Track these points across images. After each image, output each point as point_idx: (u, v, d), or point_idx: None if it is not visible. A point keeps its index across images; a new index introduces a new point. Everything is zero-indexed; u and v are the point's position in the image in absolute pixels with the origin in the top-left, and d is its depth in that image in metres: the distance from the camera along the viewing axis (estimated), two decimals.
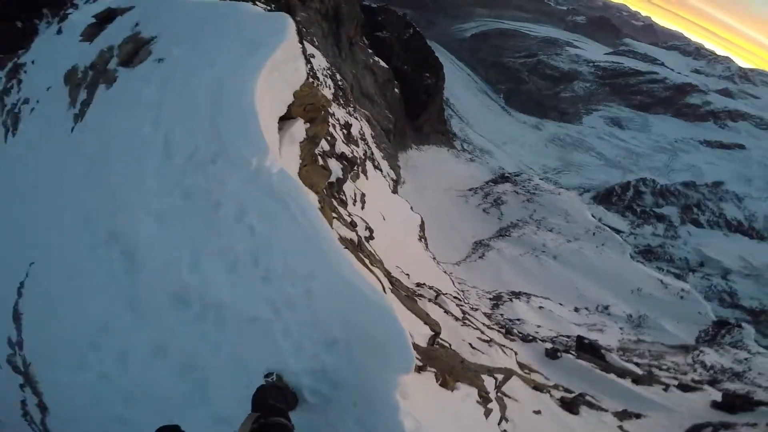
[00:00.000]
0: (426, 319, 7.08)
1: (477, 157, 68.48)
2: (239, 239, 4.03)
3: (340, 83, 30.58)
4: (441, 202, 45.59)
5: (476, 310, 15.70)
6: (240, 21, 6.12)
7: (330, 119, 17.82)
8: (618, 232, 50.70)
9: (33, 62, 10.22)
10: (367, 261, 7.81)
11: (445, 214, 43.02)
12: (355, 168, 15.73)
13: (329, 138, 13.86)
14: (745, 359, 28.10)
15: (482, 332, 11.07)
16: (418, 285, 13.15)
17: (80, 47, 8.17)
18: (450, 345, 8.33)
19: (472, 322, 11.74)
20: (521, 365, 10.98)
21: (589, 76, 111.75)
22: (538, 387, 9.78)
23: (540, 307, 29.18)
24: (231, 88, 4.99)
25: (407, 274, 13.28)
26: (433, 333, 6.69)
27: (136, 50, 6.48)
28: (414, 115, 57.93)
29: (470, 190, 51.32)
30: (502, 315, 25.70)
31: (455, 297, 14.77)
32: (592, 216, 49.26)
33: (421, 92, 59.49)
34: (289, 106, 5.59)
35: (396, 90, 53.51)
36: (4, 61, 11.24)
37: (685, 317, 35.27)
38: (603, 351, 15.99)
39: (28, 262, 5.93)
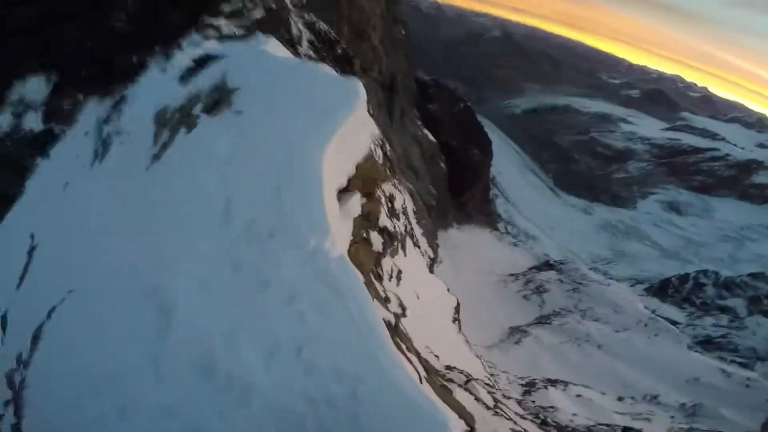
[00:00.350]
0: (461, 412, 7.13)
1: (521, 241, 69.65)
2: (285, 325, 4.16)
3: (388, 154, 33.13)
4: (478, 285, 46.47)
5: (509, 398, 15.90)
6: (316, 83, 7.11)
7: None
8: (674, 323, 49.97)
9: (136, 97, 11.41)
10: (404, 346, 7.83)
11: (481, 297, 43.96)
12: (395, 244, 16.60)
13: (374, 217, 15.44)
14: None
15: (515, 422, 11.15)
16: (448, 368, 13.64)
17: (176, 89, 9.62)
18: None
19: (504, 412, 11.87)
20: None
21: (644, 155, 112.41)
22: None
23: (578, 396, 29.35)
24: (299, 159, 5.61)
25: (437, 356, 13.79)
26: (468, 429, 6.75)
27: (219, 99, 7.43)
28: (458, 192, 59.77)
29: (511, 275, 52.16)
30: (533, 402, 25.75)
31: (486, 383, 15.26)
32: (645, 308, 48.85)
33: (468, 168, 61.58)
34: (349, 179, 6.24)
35: (442, 165, 55.93)
36: (114, 91, 12.43)
37: (749, 405, 34.62)
38: None
39: (68, 288, 6.20)
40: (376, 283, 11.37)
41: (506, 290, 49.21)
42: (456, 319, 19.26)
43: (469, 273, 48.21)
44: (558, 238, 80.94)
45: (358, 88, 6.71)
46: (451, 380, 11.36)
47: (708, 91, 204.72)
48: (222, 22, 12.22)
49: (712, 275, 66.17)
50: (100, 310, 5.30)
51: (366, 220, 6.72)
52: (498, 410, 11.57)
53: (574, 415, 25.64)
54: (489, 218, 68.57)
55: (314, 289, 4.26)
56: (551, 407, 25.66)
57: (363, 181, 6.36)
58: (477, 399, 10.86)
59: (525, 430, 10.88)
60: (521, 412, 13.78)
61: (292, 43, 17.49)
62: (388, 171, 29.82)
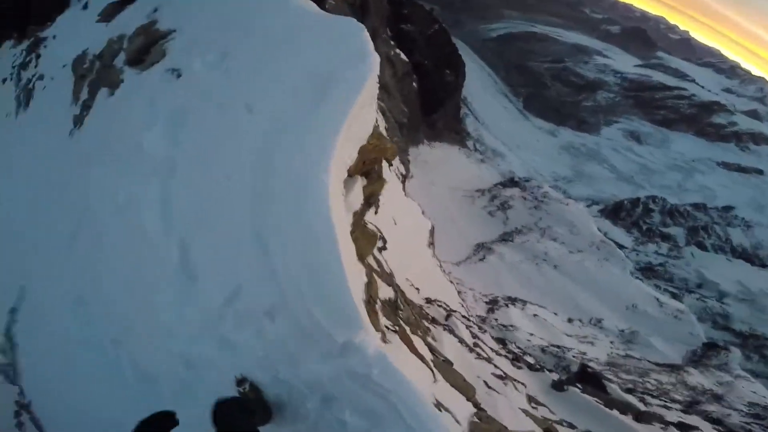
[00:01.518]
0: (465, 390, 6.85)
1: (488, 158, 69.44)
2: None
3: None
4: (447, 201, 46.79)
5: (484, 331, 15.85)
6: (291, 25, 4.52)
7: None
8: (621, 247, 51.73)
9: (54, 37, 10.23)
10: (408, 330, 7.05)
11: (450, 213, 44.26)
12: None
13: None
14: (728, 382, 29.50)
15: (495, 365, 11.30)
16: (428, 301, 13.64)
17: (97, 28, 7.86)
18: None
19: (483, 350, 11.96)
20: (529, 398, 11.22)
21: (614, 87, 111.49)
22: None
23: (534, 315, 30.43)
24: (288, 175, 3.38)
25: (417, 289, 13.82)
26: (475, 409, 6.32)
27: (147, 46, 5.67)
28: (429, 111, 58.42)
29: (478, 191, 52.35)
30: (496, 320, 27.07)
31: (463, 316, 15.48)
32: (598, 229, 50.15)
33: (440, 89, 59.90)
34: (349, 167, 4.14)
35: (414, 84, 54.00)
36: (33, 32, 11.39)
37: (676, 337, 36.59)
38: (606, 382, 16.38)
39: (19, 284, 5.53)
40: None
41: (473, 206, 49.37)
42: (431, 243, 18.96)
43: (439, 188, 48.29)
44: (523, 157, 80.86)
45: (363, 37, 4.19)
46: (434, 320, 10.95)
47: (689, 35, 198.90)
48: None
49: (660, 201, 68.05)
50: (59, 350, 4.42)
51: (368, 206, 4.77)
52: (477, 349, 11.29)
53: (531, 335, 26.71)
54: (458, 136, 67.41)
55: (350, 392, 2.91)
56: (511, 326, 26.63)
57: (364, 161, 4.24)
58: (460, 340, 10.63)
59: (504, 372, 10.81)
60: (496, 347, 13.53)
61: None
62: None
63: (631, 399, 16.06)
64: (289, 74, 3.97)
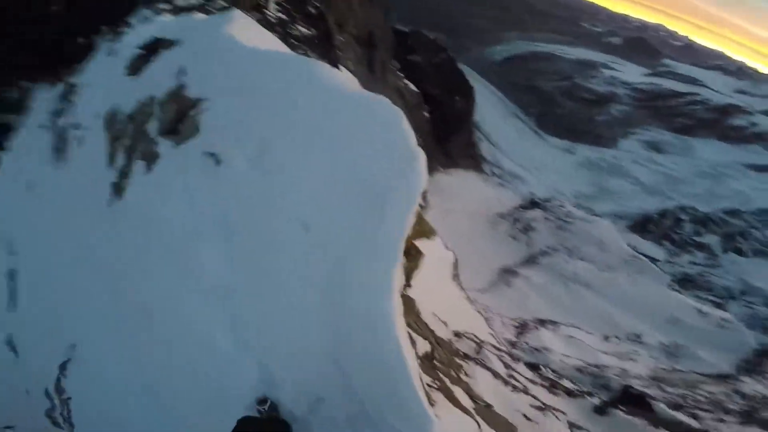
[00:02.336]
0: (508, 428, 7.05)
1: (506, 181, 68.41)
2: None
3: None
4: (467, 227, 45.74)
5: (518, 360, 15.35)
6: (328, 109, 4.49)
7: None
8: (654, 261, 49.86)
9: (87, 85, 10.48)
10: (448, 381, 7.03)
11: (471, 240, 43.07)
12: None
13: None
14: None
15: (533, 396, 10.97)
16: (457, 335, 13.15)
17: (126, 81, 8.15)
18: None
19: (518, 381, 11.74)
20: (571, 425, 10.81)
21: (626, 99, 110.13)
22: None
23: (568, 336, 29.14)
24: (355, 303, 3.59)
25: (444, 322, 13.15)
26: None
27: (179, 116, 5.88)
28: (443, 139, 58.35)
29: (498, 215, 51.35)
30: (527, 343, 25.83)
31: (493, 345, 14.85)
32: (628, 245, 48.55)
33: (451, 116, 60.07)
34: None
35: (425, 114, 54.20)
36: (62, 77, 11.86)
37: (724, 346, 34.45)
38: (650, 401, 15.54)
39: (70, 342, 5.87)
40: None
41: (495, 231, 48.27)
42: (456, 275, 18.26)
43: (458, 216, 47.31)
44: (542, 178, 79.34)
45: (407, 135, 4.11)
46: (465, 355, 10.83)
47: (690, 40, 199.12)
48: None
49: (690, 210, 66.07)
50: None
51: (407, 287, 4.86)
52: (512, 381, 11.03)
53: (566, 356, 25.28)
54: (474, 161, 67.03)
55: None
56: (544, 348, 25.37)
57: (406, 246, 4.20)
58: (494, 374, 10.52)
59: (542, 403, 10.45)
60: (531, 376, 12.90)
61: (258, 7, 15.57)
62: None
63: (680, 416, 14.91)
64: (338, 183, 3.91)
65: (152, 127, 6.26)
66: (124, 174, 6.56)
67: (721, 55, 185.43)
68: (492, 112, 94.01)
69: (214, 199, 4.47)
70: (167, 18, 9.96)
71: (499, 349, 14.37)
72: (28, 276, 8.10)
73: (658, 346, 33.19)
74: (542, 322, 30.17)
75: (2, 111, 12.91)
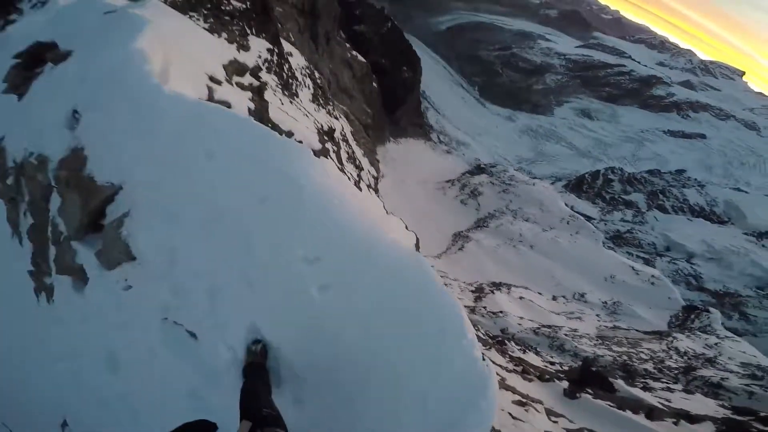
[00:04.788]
0: None
1: (453, 148, 68.03)
2: None
3: (318, 81, 29.46)
4: (419, 195, 45.07)
5: (489, 347, 14.47)
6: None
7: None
8: (589, 219, 51.01)
9: None
10: None
11: (424, 207, 42.42)
12: None
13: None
14: (716, 344, 28.29)
15: (512, 390, 10.70)
16: None
17: (9, 104, 5.65)
18: None
19: (492, 360, 11.41)
20: (548, 412, 10.52)
21: (560, 69, 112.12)
22: None
23: (520, 298, 28.95)
24: None
25: None
26: None
27: (92, 214, 3.96)
28: (392, 109, 57.01)
29: (447, 182, 50.88)
30: (485, 308, 25.40)
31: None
32: (565, 204, 49.37)
33: (399, 86, 58.48)
34: None
35: (374, 84, 52.12)
36: None
37: (656, 302, 35.39)
38: (611, 379, 15.49)
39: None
40: None
41: (445, 197, 47.75)
42: None
43: (410, 184, 46.44)
44: (486, 144, 79.99)
45: (477, 360, 2.89)
46: None
47: (619, 14, 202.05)
48: None
49: (618, 171, 68.11)
50: None
51: None
52: (486, 361, 9.43)
53: (521, 318, 24.99)
54: (422, 130, 66.26)
55: None
56: (501, 312, 25.01)
57: None
58: None
59: (521, 397, 10.04)
60: (503, 362, 12.22)
61: None
62: (320, 99, 26.03)
63: (638, 393, 15.09)
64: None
65: (58, 218, 4.34)
66: (42, 272, 4.88)
67: (646, 30, 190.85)
68: (438, 81, 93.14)
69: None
70: (40, 21, 6.89)
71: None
72: None
73: (600, 304, 33.70)
74: (497, 285, 29.88)
75: None
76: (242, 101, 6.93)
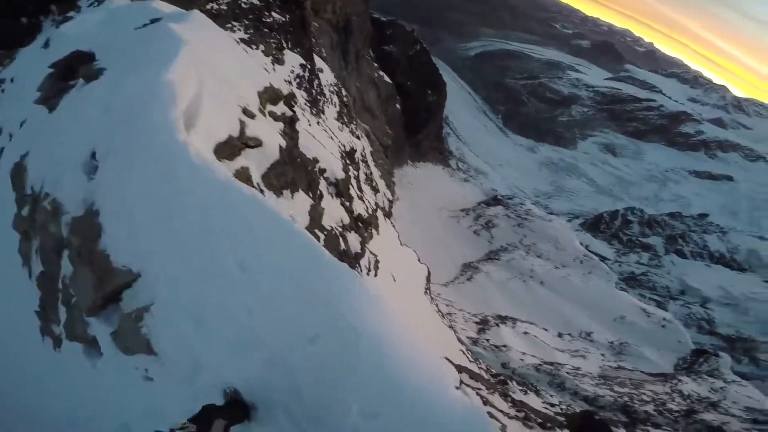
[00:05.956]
0: None
1: (471, 177, 69.48)
2: None
3: (345, 99, 30.78)
4: (433, 222, 46.53)
5: (492, 392, 14.63)
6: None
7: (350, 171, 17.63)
8: (604, 259, 51.98)
9: (12, 80, 8.91)
10: None
11: (437, 234, 43.94)
12: (369, 230, 15.46)
13: (348, 201, 13.59)
14: (721, 388, 29.20)
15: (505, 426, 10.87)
16: None
17: (37, 115, 5.91)
18: None
19: (498, 419, 11.16)
20: None
21: (587, 101, 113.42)
22: None
23: (525, 333, 29.97)
24: None
25: None
26: None
27: (101, 283, 3.73)
28: (413, 132, 58.57)
29: (462, 210, 52.24)
30: (488, 341, 26.72)
31: (467, 369, 14.83)
32: (580, 243, 50.33)
33: (422, 109, 60.15)
34: None
35: (398, 105, 54.06)
36: (4, 59, 10.22)
37: (665, 345, 36.38)
38: (613, 429, 16.27)
39: None
40: None
41: (458, 226, 49.17)
42: (427, 289, 18.42)
43: (425, 209, 48.00)
44: (505, 174, 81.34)
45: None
46: None
47: (653, 47, 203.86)
48: None
49: (638, 212, 68.61)
50: None
51: None
52: (493, 420, 10.47)
53: (524, 354, 26.23)
54: (442, 155, 67.68)
55: None
56: (504, 346, 26.15)
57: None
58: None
59: None
60: (506, 408, 13.23)
61: None
62: (344, 117, 27.46)
63: None
64: None
65: (69, 282, 4.20)
66: (48, 318, 4.79)
67: (679, 63, 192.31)
68: (462, 107, 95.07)
69: None
70: (94, 20, 7.55)
71: (474, 377, 14.62)
72: None
73: (606, 344, 34.72)
74: (502, 319, 31.03)
75: None
76: (273, 137, 6.84)
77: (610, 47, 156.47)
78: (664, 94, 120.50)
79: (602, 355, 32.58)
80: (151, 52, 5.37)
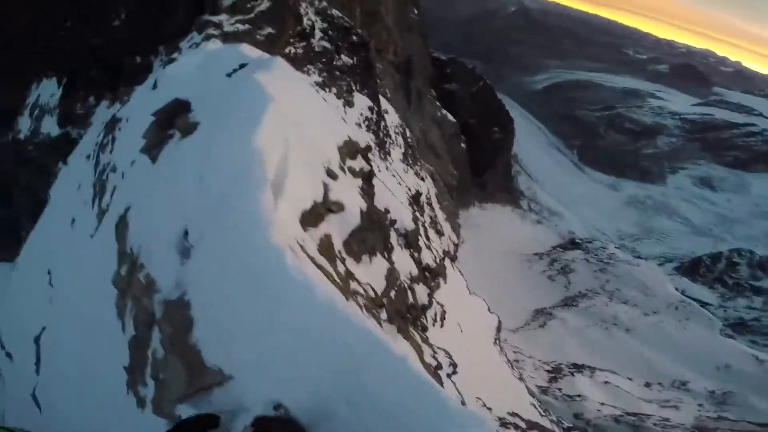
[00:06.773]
0: None
1: (545, 218, 68.96)
2: None
3: (409, 140, 32.31)
4: (501, 267, 46.70)
5: None
6: None
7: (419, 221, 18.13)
8: (705, 305, 49.61)
9: (127, 120, 10.39)
10: None
11: (505, 279, 44.07)
12: (437, 279, 16.22)
13: (416, 252, 14.53)
14: None
15: None
16: (503, 424, 13.43)
17: (141, 162, 7.08)
18: None
19: None
20: None
21: (674, 130, 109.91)
22: None
23: (605, 382, 29.57)
24: None
25: (489, 408, 13.48)
26: None
27: (192, 377, 3.95)
28: (479, 171, 59.68)
29: (535, 254, 52.17)
30: (560, 390, 26.70)
31: (543, 426, 15.30)
32: (675, 289, 48.59)
33: (489, 147, 61.35)
34: None
35: (462, 144, 55.67)
36: (123, 95, 12.28)
37: None
38: None
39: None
40: (424, 347, 10.88)
41: (530, 271, 49.18)
42: (497, 340, 19.13)
43: (492, 253, 48.42)
44: (583, 215, 79.20)
45: None
46: None
47: (741, 66, 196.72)
48: (223, 18, 11.20)
49: (746, 254, 64.58)
50: None
51: None
52: None
53: (602, 404, 26.02)
54: (511, 196, 67.98)
55: None
56: (578, 396, 26.10)
57: None
58: None
59: None
60: None
61: (304, 35, 17.14)
62: (409, 159, 29.05)
63: None
64: None
65: (160, 361, 4.62)
66: (135, 379, 5.31)
67: None
68: (531, 143, 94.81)
69: None
70: (193, 62, 9.16)
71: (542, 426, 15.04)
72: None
73: (705, 393, 33.37)
74: (578, 368, 30.78)
75: (71, 123, 14.11)
76: (354, 199, 7.13)
77: (693, 70, 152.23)
78: (765, 117, 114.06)
79: (699, 405, 31.36)
80: (240, 107, 6.11)
